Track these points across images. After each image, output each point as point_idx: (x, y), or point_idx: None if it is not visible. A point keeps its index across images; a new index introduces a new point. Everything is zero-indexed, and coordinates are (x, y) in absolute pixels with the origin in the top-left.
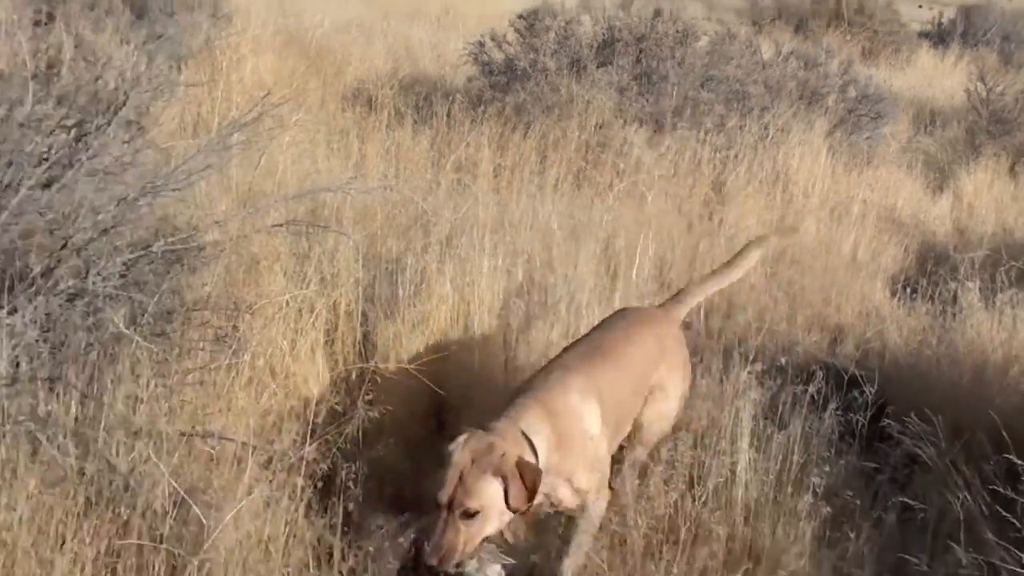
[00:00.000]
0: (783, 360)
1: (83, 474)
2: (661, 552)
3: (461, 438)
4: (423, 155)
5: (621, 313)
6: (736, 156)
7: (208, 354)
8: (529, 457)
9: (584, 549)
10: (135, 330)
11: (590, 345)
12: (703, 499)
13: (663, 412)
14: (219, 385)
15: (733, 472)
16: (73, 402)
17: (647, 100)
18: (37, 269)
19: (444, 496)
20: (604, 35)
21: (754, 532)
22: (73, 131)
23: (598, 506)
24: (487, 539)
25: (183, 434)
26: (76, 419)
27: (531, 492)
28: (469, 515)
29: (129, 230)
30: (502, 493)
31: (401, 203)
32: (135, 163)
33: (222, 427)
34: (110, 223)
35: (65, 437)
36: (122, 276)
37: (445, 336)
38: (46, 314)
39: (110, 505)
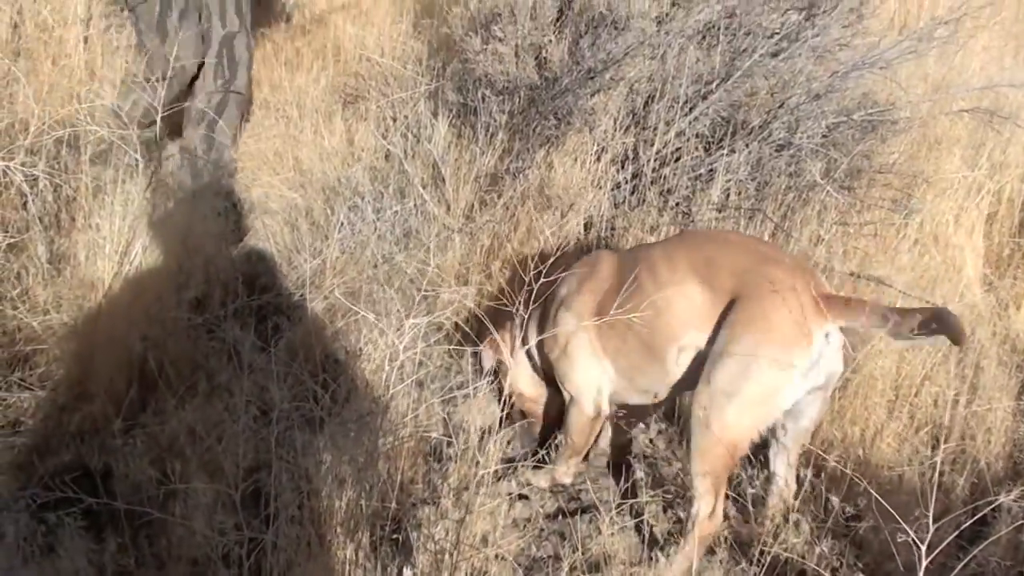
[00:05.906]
0: None
1: None
2: None
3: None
4: None
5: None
6: None
7: (884, 212)
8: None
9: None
10: (828, 181)
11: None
12: None
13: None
14: (888, 240)
15: None
16: (767, 232)
17: None
18: (755, 122)
19: None
20: None
21: None
22: (803, 12)
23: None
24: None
25: (851, 274)
26: None
27: None
28: None
29: (836, 99)
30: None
31: None
32: (849, 45)
33: (883, 275)
34: (821, 91)
35: None
36: (824, 136)
37: None
38: (757, 159)
39: None
